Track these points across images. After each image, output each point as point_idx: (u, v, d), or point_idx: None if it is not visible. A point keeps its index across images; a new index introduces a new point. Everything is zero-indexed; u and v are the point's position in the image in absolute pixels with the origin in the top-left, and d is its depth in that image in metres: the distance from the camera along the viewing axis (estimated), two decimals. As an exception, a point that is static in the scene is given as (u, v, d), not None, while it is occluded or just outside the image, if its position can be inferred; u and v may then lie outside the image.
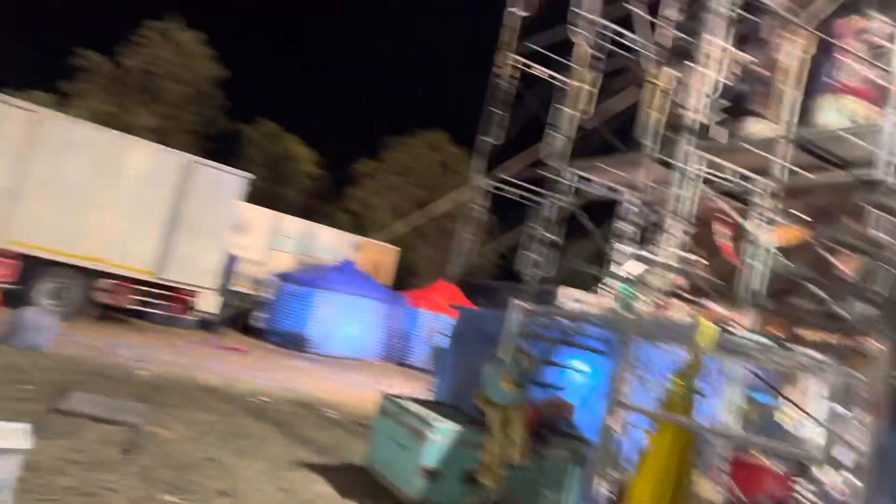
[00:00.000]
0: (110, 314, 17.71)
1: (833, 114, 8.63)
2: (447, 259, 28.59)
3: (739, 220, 9.15)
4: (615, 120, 11.63)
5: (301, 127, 52.99)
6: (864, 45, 8.72)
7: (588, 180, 12.01)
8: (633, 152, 10.67)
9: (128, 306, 17.34)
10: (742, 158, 9.12)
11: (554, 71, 12.28)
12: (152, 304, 17.47)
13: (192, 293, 17.87)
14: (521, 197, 12.73)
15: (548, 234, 11.52)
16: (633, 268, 10.64)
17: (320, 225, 27.12)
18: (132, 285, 17.06)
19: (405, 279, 33.00)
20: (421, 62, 75.74)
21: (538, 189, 12.20)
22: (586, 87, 11.57)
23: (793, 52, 9.57)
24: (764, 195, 9.21)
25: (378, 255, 27.25)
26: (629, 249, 11.85)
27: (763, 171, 9.08)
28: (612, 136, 11.26)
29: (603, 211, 12.57)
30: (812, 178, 8.84)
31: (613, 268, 11.45)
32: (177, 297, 17.73)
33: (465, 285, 24.30)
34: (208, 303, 18.22)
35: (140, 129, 31.87)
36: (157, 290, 17.39)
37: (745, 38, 10.39)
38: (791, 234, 10.88)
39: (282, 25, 75.60)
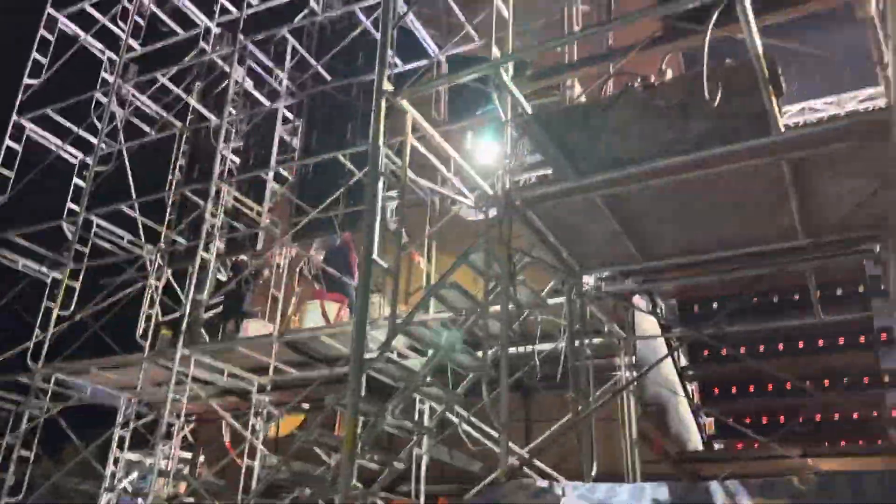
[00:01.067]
0: None
1: (315, 315, 9.69)
2: None
3: (231, 420, 9.26)
4: (111, 317, 10.96)
5: None
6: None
7: (78, 383, 10.85)
8: (127, 353, 10.11)
9: None
10: (239, 358, 9.44)
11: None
12: None
13: None
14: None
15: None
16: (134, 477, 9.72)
17: None
18: None
19: None
20: None
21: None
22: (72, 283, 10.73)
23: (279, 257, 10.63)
24: (263, 390, 9.62)
25: None
26: (132, 456, 10.89)
27: (261, 369, 9.52)
28: (104, 334, 10.52)
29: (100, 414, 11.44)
30: (300, 375, 9.58)
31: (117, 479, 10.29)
32: None
33: None
34: None
35: None
36: None
37: (240, 242, 11.18)
38: (291, 422, 11.47)
39: None
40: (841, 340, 7.43)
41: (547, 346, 7.21)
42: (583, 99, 7.73)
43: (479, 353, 5.88)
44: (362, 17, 9.89)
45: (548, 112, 4.88)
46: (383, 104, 4.69)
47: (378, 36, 5.65)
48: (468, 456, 7.44)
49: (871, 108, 8.93)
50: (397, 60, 9.66)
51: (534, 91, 6.96)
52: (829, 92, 10.37)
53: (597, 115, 4.64)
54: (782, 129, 4.54)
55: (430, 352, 5.91)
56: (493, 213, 5.66)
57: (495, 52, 5.51)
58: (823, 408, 7.76)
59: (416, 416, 8.35)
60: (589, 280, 7.88)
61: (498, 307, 5.65)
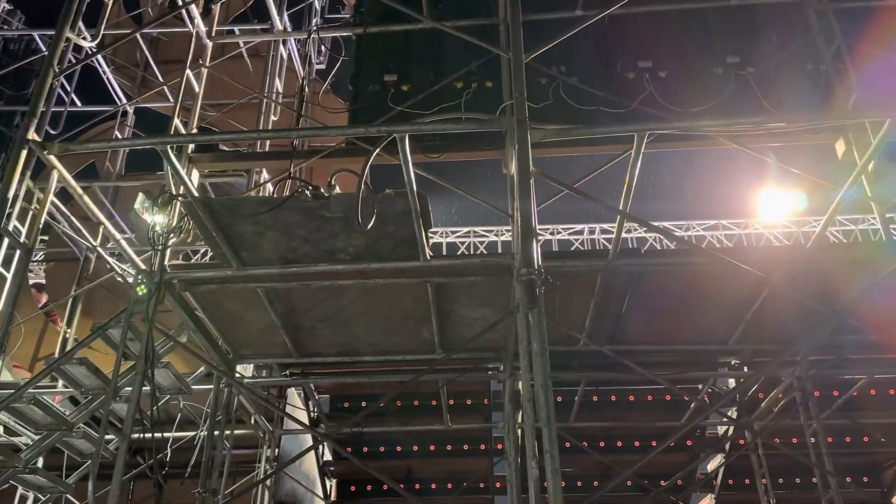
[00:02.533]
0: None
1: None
2: None
3: None
4: None
5: None
6: None
7: None
8: None
9: None
10: None
11: None
12: None
13: None
14: None
15: None
16: None
17: None
18: None
19: None
20: None
21: None
22: None
23: None
24: None
25: None
26: None
27: None
28: None
29: None
30: None
31: None
32: None
33: None
34: None
35: None
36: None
37: None
38: None
39: None
40: (465, 447, 8.21)
41: (186, 434, 6.79)
42: (269, 187, 7.81)
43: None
44: (42, 45, 8.91)
45: (215, 199, 4.80)
46: (23, 154, 4.18)
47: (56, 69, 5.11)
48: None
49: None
50: (75, 98, 8.81)
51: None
52: (488, 223, 12.00)
53: (265, 213, 4.69)
54: (428, 256, 5.03)
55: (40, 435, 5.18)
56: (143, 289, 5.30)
57: (176, 124, 5.32)
58: (445, 508, 8.43)
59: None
60: (246, 369, 7.72)
61: (130, 389, 5.20)
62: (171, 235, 5.18)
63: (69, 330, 7.76)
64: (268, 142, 6.82)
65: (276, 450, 7.58)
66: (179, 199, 4.86)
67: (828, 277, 5.44)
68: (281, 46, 8.75)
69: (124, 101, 9.10)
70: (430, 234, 5.01)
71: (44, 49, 8.85)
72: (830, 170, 5.51)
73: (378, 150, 4.29)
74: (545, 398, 3.40)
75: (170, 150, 4.40)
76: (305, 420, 7.90)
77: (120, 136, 8.72)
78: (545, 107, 5.60)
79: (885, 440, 7.90)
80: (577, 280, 5.56)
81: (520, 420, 7.11)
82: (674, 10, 5.88)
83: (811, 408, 6.62)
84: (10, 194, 4.15)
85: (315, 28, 8.13)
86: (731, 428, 7.97)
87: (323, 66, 9.96)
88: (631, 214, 4.66)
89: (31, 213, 5.95)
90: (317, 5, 9.50)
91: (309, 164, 5.92)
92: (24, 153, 4.18)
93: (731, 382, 7.62)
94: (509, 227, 10.88)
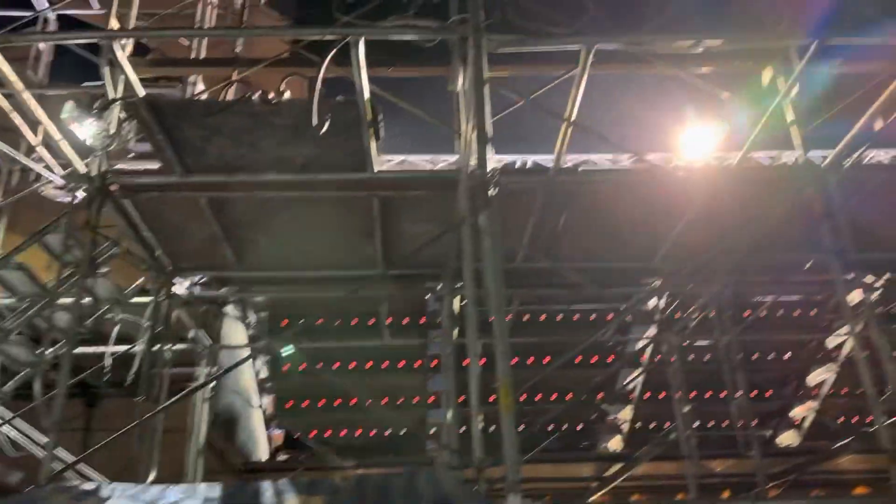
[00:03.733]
0: None
1: None
2: None
3: None
4: None
5: None
6: None
7: None
8: None
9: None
10: None
11: None
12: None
13: None
14: None
15: None
16: None
17: None
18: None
19: None
20: None
21: None
22: None
23: None
24: None
25: None
26: None
27: None
28: None
29: None
30: None
31: None
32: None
33: None
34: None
35: None
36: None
37: None
38: None
39: None
40: (401, 364, 8.49)
41: (121, 348, 6.74)
42: (203, 97, 7.61)
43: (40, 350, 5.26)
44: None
45: (164, 99, 4.70)
46: (-42, 44, 3.97)
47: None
48: (4, 465, 6.49)
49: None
50: (-8, 2, 8.23)
51: (153, 79, 6.63)
52: (426, 150, 12.00)
53: (213, 115, 4.64)
54: (376, 170, 5.11)
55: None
56: (82, 195, 5.18)
57: (113, 23, 5.12)
58: (380, 423, 8.73)
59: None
60: (183, 284, 7.65)
61: (71, 299, 5.14)
62: (111, 140, 5.06)
63: (-6, 243, 7.46)
64: (205, 50, 6.62)
65: (215, 367, 7.61)
66: (124, 100, 4.73)
67: (748, 199, 5.84)
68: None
69: (46, 5, 8.55)
70: (380, 149, 5.07)
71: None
72: (754, 98, 5.84)
73: (331, 55, 4.29)
74: (496, 289, 3.60)
75: (116, 47, 4.26)
76: (244, 337, 7.95)
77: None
78: (492, 24, 5.66)
79: (788, 357, 8.65)
80: (517, 197, 5.75)
81: (455, 336, 7.40)
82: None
83: (725, 323, 7.18)
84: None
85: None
86: (651, 344, 8.51)
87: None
88: (578, 123, 4.85)
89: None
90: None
91: (251, 73, 5.81)
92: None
93: (653, 302, 8.10)
94: (447, 156, 10.99)
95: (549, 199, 5.78)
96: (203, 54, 6.65)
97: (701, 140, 11.68)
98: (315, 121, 4.30)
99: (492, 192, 3.83)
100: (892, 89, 5.07)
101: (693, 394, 8.72)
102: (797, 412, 9.07)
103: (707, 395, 8.92)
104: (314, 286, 6.99)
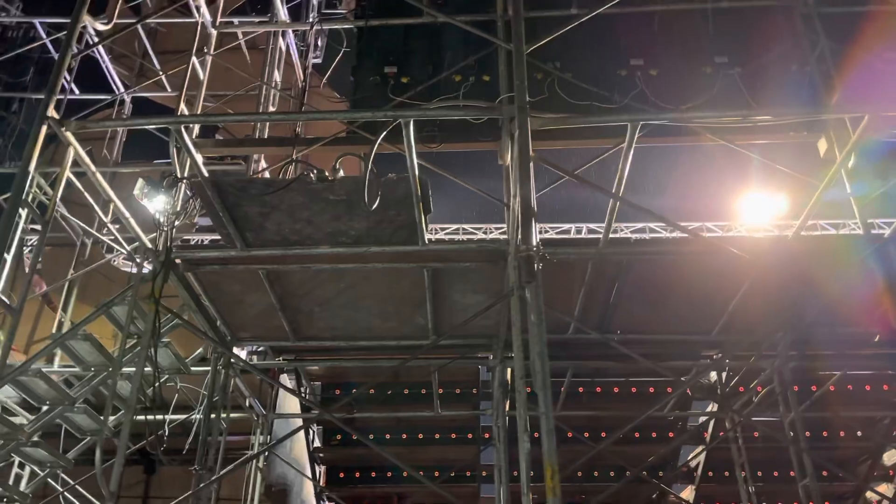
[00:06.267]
0: None
1: None
2: None
3: None
4: None
5: None
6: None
7: None
8: None
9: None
10: None
11: None
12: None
13: None
14: None
15: None
16: None
17: None
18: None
19: None
20: None
21: None
22: None
23: None
24: None
25: None
26: None
27: None
28: None
29: None
30: None
31: None
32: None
33: None
34: None
35: None
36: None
37: None
38: None
39: None
40: (453, 435, 8.38)
41: (180, 417, 6.91)
42: (266, 175, 7.96)
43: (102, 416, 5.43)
44: (42, 33, 8.98)
45: (225, 179, 4.95)
46: (43, 130, 4.30)
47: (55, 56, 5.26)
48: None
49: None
50: (74, 86, 8.91)
51: (219, 157, 7.00)
52: (479, 220, 12.22)
53: (272, 193, 4.84)
54: (427, 241, 5.21)
55: (44, 408, 5.29)
56: (148, 267, 5.44)
57: (182, 108, 5.47)
58: (431, 496, 8.56)
59: (12, 481, 7.23)
60: (241, 353, 7.83)
61: (133, 368, 5.33)
62: (177, 216, 5.33)
63: (64, 314, 7.84)
64: (267, 130, 6.96)
65: (269, 435, 7.70)
66: (189, 179, 5.00)
67: (808, 270, 5.69)
68: (280, 39, 8.90)
69: (122, 90, 9.19)
70: (429, 221, 5.18)
71: (44, 36, 8.93)
72: (812, 169, 5.75)
73: (383, 135, 4.46)
74: (541, 365, 3.58)
75: (183, 130, 4.54)
76: (297, 406, 8.04)
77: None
78: (540, 101, 5.80)
79: (860, 434, 8.17)
80: (567, 269, 5.76)
81: (507, 408, 7.31)
82: (665, 10, 6.12)
83: (790, 399, 6.87)
84: (31, 168, 4.26)
85: (317, 20, 8.28)
86: (713, 420, 8.20)
87: (319, 61, 10.11)
88: (625, 199, 4.87)
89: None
90: (314, 0, 9.66)
91: (309, 152, 6.07)
92: (43, 129, 4.30)
93: (713, 376, 7.85)
94: (499, 225, 11.10)
95: (599, 270, 5.76)
96: (266, 133, 6.99)
97: (759, 209, 11.52)
98: (367, 197, 4.45)
99: (538, 266, 3.84)
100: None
101: (759, 473, 8.34)
102: (874, 494, 8.52)
103: (774, 475, 8.49)
104: (366, 356, 7.07)
